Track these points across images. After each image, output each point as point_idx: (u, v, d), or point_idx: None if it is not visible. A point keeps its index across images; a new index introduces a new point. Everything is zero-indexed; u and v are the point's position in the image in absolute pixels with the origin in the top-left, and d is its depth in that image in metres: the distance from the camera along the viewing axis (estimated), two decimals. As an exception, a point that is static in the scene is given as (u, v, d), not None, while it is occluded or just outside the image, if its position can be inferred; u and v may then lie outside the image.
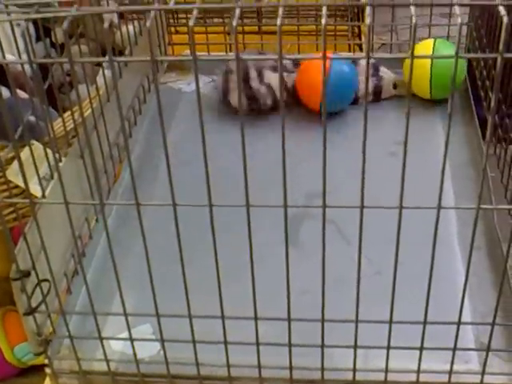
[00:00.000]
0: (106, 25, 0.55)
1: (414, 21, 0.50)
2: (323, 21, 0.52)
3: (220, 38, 1.43)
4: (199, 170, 0.63)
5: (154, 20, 1.23)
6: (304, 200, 1.05)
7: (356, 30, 1.66)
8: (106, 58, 0.55)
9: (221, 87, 1.25)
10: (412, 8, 0.53)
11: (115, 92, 0.54)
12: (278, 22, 0.51)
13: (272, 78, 1.22)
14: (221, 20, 1.49)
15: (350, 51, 1.51)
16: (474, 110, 1.20)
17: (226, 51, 1.37)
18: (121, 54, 1.17)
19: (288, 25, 1.45)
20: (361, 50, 1.61)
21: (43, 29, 0.87)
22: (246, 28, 1.44)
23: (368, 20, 0.52)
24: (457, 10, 0.53)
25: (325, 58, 0.52)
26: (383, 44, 1.77)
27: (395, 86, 1.24)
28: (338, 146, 1.11)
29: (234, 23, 0.51)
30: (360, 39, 1.65)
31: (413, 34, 0.51)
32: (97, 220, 1.01)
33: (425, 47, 1.16)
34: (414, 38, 0.52)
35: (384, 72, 1.24)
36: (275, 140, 1.12)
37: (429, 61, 1.14)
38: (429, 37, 1.26)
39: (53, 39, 1.08)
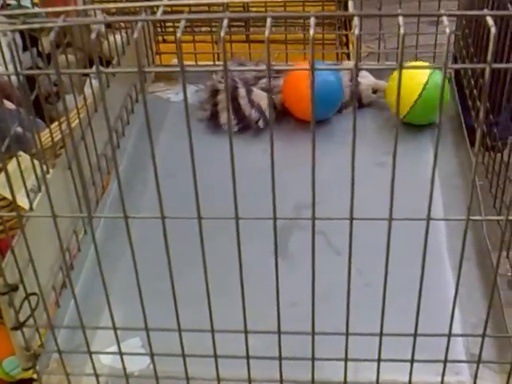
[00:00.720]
0: (93, 35, 0.54)
1: (402, 31, 0.50)
2: (311, 31, 0.51)
3: (208, 47, 1.42)
4: (188, 181, 0.62)
5: (142, 30, 1.23)
6: (293, 211, 1.04)
7: (344, 38, 1.67)
8: (93, 69, 0.55)
9: (209, 110, 1.24)
10: (400, 18, 0.52)
11: (103, 103, 0.54)
12: (267, 33, 0.51)
13: (261, 97, 1.22)
14: (208, 29, 1.48)
15: (337, 60, 1.51)
16: (462, 118, 1.20)
17: (214, 60, 1.37)
18: (108, 63, 1.16)
19: (275, 33, 1.45)
20: (348, 58, 1.61)
21: (29, 38, 0.87)
22: (234, 37, 1.44)
23: (356, 31, 0.52)
24: (445, 20, 0.53)
25: (313, 69, 0.52)
26: (371, 52, 1.77)
27: (375, 92, 1.24)
28: (325, 156, 1.11)
29: (222, 33, 0.50)
30: (348, 48, 1.65)
31: (401, 44, 0.51)
32: (85, 232, 1.00)
33: (418, 78, 1.15)
34: (403, 48, 0.51)
35: (363, 76, 1.24)
36: (263, 151, 1.12)
37: (419, 89, 1.14)
38: (416, 46, 1.26)
39: (39, 48, 1.08)
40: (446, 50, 0.52)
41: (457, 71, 1.26)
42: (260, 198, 0.93)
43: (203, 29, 1.65)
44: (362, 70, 0.48)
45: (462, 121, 1.19)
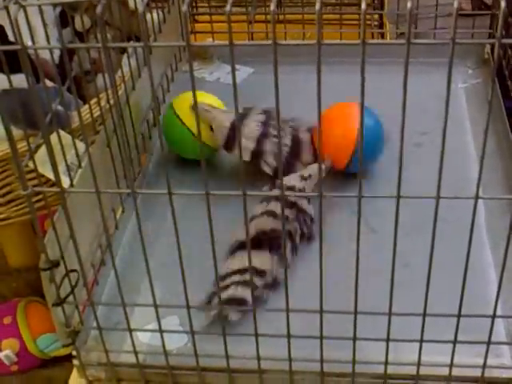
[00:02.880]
0: (140, 9, 0.53)
1: (409, 5, 0.49)
2: (363, 5, 0.51)
3: (243, 27, 1.42)
4: (224, 161, 0.62)
5: (178, 7, 1.22)
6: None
7: (376, 18, 1.65)
8: (139, 43, 0.54)
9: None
10: None
11: (149, 74, 0.53)
12: (317, 6, 0.50)
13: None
14: (243, 9, 1.47)
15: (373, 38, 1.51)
16: (500, 99, 1.18)
17: (249, 39, 1.36)
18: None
19: (308, 13, 1.44)
20: (383, 38, 1.60)
21: (66, 16, 0.87)
22: (268, 17, 1.43)
23: (409, 4, 0.51)
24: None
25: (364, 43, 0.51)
26: (401, 33, 1.75)
27: None
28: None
29: (273, 7, 0.49)
30: (382, 28, 1.64)
31: (409, 19, 0.50)
32: (123, 211, 1.00)
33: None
34: (410, 24, 0.50)
35: None
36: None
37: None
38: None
39: (76, 27, 1.08)
40: (454, 24, 0.51)
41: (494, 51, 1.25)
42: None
43: (234, 9, 1.64)
44: (415, 44, 0.46)
45: (501, 101, 1.17)
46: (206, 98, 1.07)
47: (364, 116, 0.57)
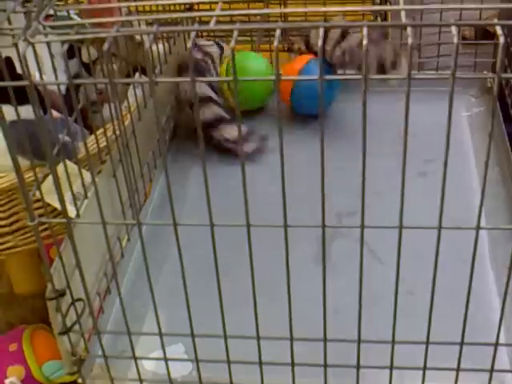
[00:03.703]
0: (146, 45, 0.55)
1: (410, 41, 0.50)
2: (364, 42, 0.52)
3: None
4: (234, 189, 0.63)
5: (183, 39, 1.24)
6: (334, 220, 1.04)
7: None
8: (145, 78, 0.55)
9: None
10: (409, 29, 0.52)
11: (154, 107, 0.54)
12: (320, 42, 0.51)
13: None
14: (248, 38, 1.49)
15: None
16: (503, 127, 1.19)
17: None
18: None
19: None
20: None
21: (73, 48, 0.88)
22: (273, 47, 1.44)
23: (409, 40, 0.52)
24: (453, 30, 0.52)
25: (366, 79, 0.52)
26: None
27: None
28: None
29: (276, 43, 0.51)
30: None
31: (409, 54, 0.51)
32: (128, 239, 1.01)
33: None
34: (411, 58, 0.51)
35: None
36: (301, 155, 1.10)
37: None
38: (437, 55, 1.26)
39: (82, 57, 1.09)
40: (455, 58, 0.52)
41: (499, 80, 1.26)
42: (300, 205, 0.94)
43: (240, 38, 1.66)
44: (415, 79, 0.48)
45: (504, 130, 1.18)
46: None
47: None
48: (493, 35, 1.39)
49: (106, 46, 0.54)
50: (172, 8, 1.29)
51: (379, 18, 1.54)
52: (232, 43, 0.51)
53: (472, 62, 1.33)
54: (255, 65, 1.27)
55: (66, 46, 0.58)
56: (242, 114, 0.57)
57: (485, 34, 1.58)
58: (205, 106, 1.17)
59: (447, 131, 0.55)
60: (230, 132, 1.17)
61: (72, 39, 0.58)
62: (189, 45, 0.51)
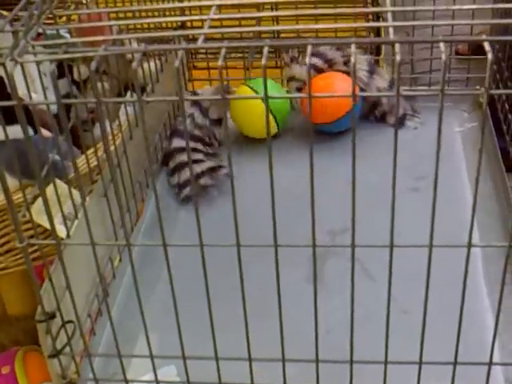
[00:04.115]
0: (134, 65, 0.54)
1: (398, 58, 0.50)
2: (352, 58, 0.51)
3: (239, 73, 1.43)
4: (224, 209, 0.62)
5: (175, 57, 1.23)
6: (327, 237, 1.04)
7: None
8: (134, 97, 0.55)
9: None
10: (396, 45, 0.52)
11: (143, 128, 0.54)
12: (307, 59, 0.50)
13: None
14: (240, 54, 1.49)
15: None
16: (495, 142, 1.19)
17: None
18: (142, 90, 1.17)
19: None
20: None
21: (63, 66, 0.88)
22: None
23: (398, 57, 0.51)
24: (441, 46, 0.52)
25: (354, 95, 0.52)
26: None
27: None
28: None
29: (264, 61, 0.50)
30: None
31: (397, 70, 0.51)
32: (120, 260, 1.00)
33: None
34: (399, 74, 0.51)
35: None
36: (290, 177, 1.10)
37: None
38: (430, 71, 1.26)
39: (74, 76, 1.09)
40: (443, 74, 0.51)
41: (490, 95, 1.26)
42: (292, 224, 0.93)
43: (232, 55, 1.66)
44: (404, 96, 0.47)
45: (496, 145, 1.18)
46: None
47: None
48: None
49: (93, 65, 0.54)
50: (164, 26, 1.29)
51: (372, 34, 1.55)
52: (220, 61, 0.51)
53: (465, 76, 1.33)
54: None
55: (54, 65, 0.58)
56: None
57: (478, 48, 1.58)
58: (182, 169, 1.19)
59: (437, 146, 0.55)
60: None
61: (60, 58, 0.58)
62: (176, 63, 0.51)
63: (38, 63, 0.84)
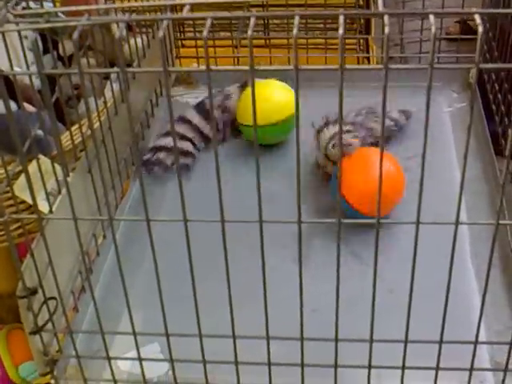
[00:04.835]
0: (117, 34, 0.53)
1: (386, 31, 0.49)
2: (340, 31, 0.50)
3: (228, 52, 1.42)
4: (209, 186, 0.61)
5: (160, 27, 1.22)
6: (313, 216, 1.03)
7: (362, 42, 1.66)
8: (117, 69, 0.54)
9: None
10: (385, 17, 0.51)
11: (126, 103, 0.53)
12: (295, 31, 0.49)
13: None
14: (228, 33, 1.48)
15: (358, 63, 1.51)
16: (485, 123, 1.18)
17: (234, 64, 1.36)
18: (128, 66, 1.15)
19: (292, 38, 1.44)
20: (369, 62, 1.60)
21: (51, 41, 0.86)
22: (254, 41, 1.43)
23: (386, 30, 0.50)
24: (431, 19, 0.51)
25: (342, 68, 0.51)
26: (391, 57, 1.76)
27: None
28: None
29: (250, 32, 0.49)
30: (368, 52, 1.64)
31: (386, 43, 0.49)
32: (104, 236, 0.99)
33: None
34: (388, 48, 0.50)
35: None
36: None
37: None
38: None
39: (60, 52, 1.07)
40: (432, 49, 0.50)
41: (480, 75, 1.25)
42: (279, 203, 0.92)
43: (222, 33, 1.65)
44: (393, 69, 0.46)
45: (486, 127, 1.17)
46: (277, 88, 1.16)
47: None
48: (475, 32, 1.39)
49: (75, 35, 0.53)
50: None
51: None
52: (205, 32, 0.50)
53: (454, 58, 1.33)
54: (277, 95, 1.17)
55: (36, 34, 0.56)
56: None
57: (469, 30, 1.57)
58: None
59: (425, 123, 0.54)
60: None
61: (42, 27, 0.56)
62: (160, 33, 0.50)
63: (23, 37, 0.83)
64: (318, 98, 1.08)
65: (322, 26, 1.55)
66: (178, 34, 1.52)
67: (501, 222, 0.62)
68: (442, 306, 0.66)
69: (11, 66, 0.72)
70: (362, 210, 0.94)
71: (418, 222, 0.60)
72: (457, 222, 0.61)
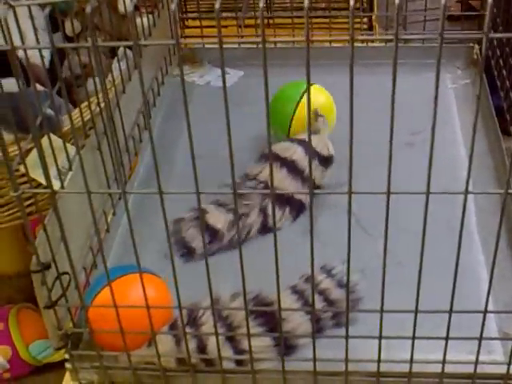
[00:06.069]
0: (130, 8, 0.53)
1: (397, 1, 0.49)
2: (351, 2, 0.51)
3: (232, 31, 1.42)
4: (213, 162, 0.62)
5: (167, 11, 1.22)
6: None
7: (365, 21, 1.66)
8: (127, 53, 0.54)
9: None
10: None
11: (139, 74, 0.53)
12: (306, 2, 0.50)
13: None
14: (233, 14, 1.48)
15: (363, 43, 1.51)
16: (490, 99, 1.18)
17: (239, 44, 1.36)
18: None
19: (297, 17, 1.43)
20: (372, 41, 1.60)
21: (56, 21, 0.87)
22: (259, 21, 1.43)
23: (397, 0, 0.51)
24: None
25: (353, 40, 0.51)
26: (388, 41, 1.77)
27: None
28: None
29: (261, 4, 0.50)
30: (371, 31, 1.64)
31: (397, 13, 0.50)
32: (114, 213, 1.00)
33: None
34: (398, 18, 0.50)
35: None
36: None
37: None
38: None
39: (66, 32, 1.08)
40: (443, 16, 0.51)
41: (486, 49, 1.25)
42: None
43: (224, 14, 1.65)
44: (402, 39, 0.46)
45: (491, 101, 1.17)
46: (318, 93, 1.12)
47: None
48: (477, 11, 1.39)
49: (88, 9, 0.53)
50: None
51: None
52: (217, 4, 0.50)
53: (457, 38, 1.33)
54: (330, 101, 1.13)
55: (47, 11, 0.57)
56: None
57: (470, 10, 1.57)
58: None
59: (435, 94, 0.55)
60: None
61: (52, 2, 0.57)
62: (173, 6, 0.50)
63: (31, 16, 0.83)
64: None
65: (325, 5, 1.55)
66: (182, 14, 1.52)
67: (510, 191, 0.62)
68: (450, 277, 0.67)
69: (22, 41, 0.73)
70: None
71: (428, 192, 0.60)
72: (466, 191, 0.61)
